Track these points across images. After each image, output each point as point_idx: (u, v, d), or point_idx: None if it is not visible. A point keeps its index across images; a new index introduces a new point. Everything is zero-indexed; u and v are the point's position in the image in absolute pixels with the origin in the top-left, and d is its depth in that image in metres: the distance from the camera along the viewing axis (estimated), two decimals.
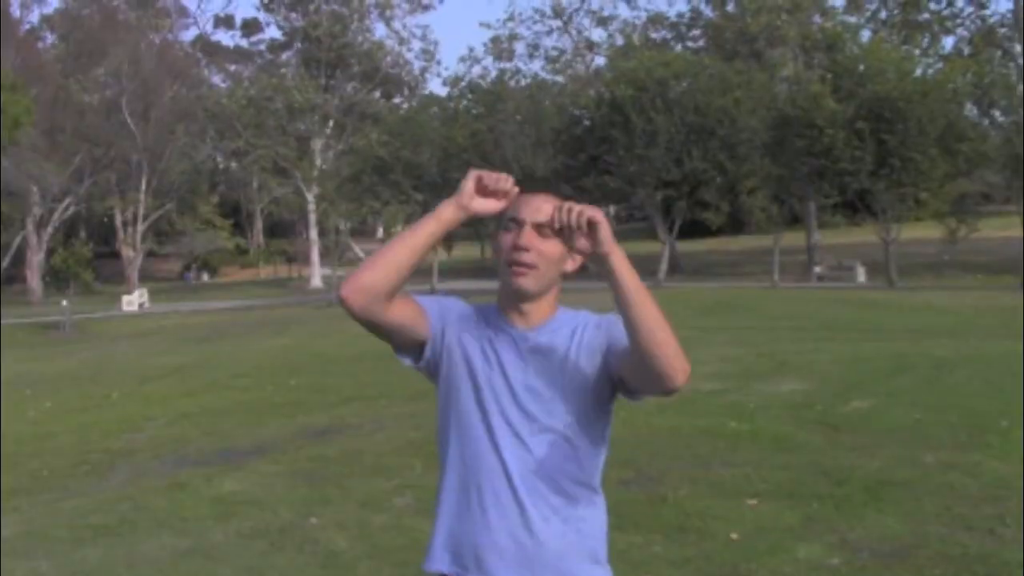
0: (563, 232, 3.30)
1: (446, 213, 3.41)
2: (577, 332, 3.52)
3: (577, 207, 3.22)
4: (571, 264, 3.52)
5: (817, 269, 63.86)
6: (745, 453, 11.60)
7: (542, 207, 3.42)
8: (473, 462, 3.48)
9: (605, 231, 3.17)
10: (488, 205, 3.39)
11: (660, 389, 3.25)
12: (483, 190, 3.41)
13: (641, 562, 7.85)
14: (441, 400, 3.61)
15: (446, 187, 68.51)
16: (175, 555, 8.85)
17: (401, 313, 3.46)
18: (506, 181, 3.37)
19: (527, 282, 3.44)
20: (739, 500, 9.49)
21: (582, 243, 3.24)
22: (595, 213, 3.18)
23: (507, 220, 3.46)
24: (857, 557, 7.78)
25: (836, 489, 9.72)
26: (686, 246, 79.76)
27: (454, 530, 3.52)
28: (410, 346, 3.57)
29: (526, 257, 3.41)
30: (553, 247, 3.43)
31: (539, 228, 3.41)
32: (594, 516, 3.54)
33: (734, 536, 8.42)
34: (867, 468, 10.58)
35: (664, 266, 63.68)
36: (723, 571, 7.63)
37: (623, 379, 3.42)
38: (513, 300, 3.52)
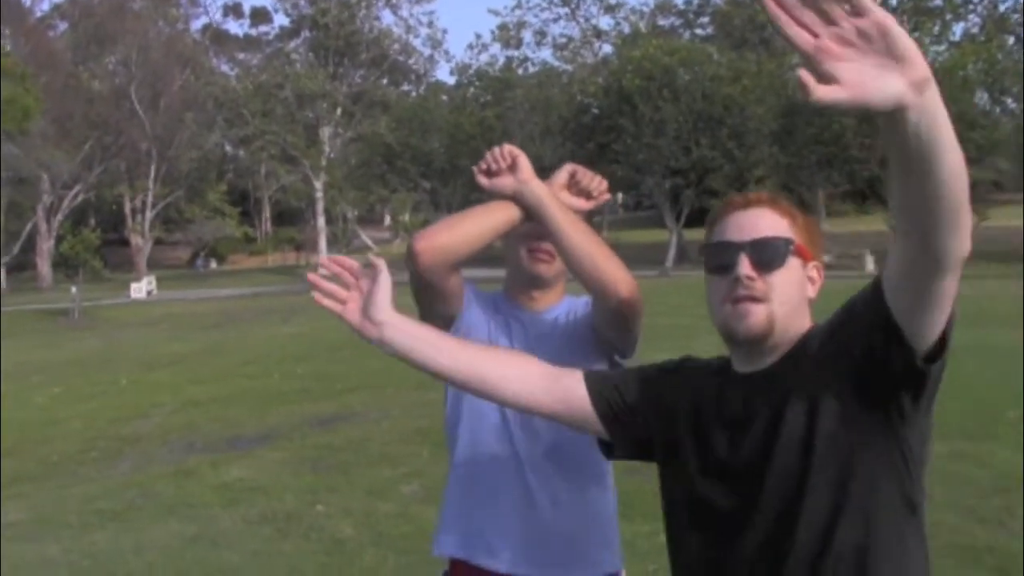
0: (486, 173, 3.32)
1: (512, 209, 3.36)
2: (572, 311, 3.55)
3: (495, 148, 3.28)
4: None
5: (826, 257, 63.72)
6: None
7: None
8: (483, 447, 3.47)
9: (524, 161, 3.24)
10: (575, 203, 3.37)
11: (609, 302, 3.24)
12: (575, 186, 3.40)
13: (648, 552, 7.83)
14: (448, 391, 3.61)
15: (454, 174, 68.64)
16: (182, 541, 8.85)
17: (454, 285, 3.46)
18: (600, 183, 3.37)
19: (549, 268, 3.48)
20: None
21: (506, 181, 3.25)
22: (511, 147, 3.26)
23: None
24: None
25: None
26: (694, 234, 79.52)
27: (463, 515, 3.51)
28: (438, 322, 3.56)
29: (546, 246, 3.43)
30: None
31: None
32: (604, 500, 3.53)
33: None
34: None
35: (672, 254, 63.73)
36: None
37: (599, 331, 3.43)
38: (527, 286, 3.55)
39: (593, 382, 2.87)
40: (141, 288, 69.60)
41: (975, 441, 11.08)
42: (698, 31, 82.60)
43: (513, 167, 3.23)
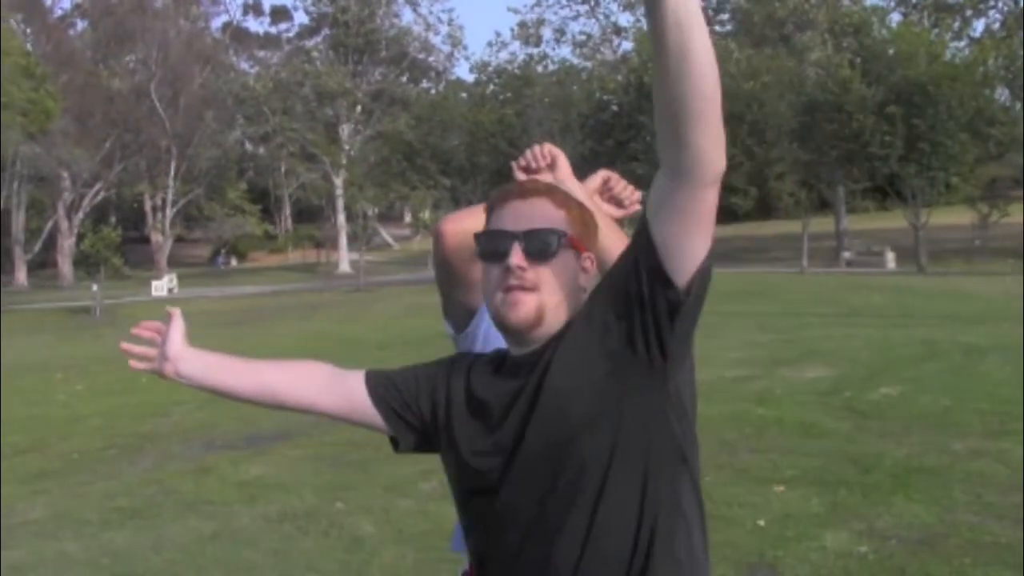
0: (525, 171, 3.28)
1: None
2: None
3: (535, 146, 3.29)
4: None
5: (846, 254, 63.62)
6: (772, 440, 11.56)
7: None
8: None
9: (563, 161, 3.30)
10: (607, 209, 3.36)
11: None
12: (607, 192, 3.40)
13: None
14: None
15: (473, 172, 68.65)
16: (201, 538, 8.88)
17: (477, 274, 3.46)
18: (633, 193, 3.35)
19: None
20: (766, 487, 9.46)
21: (545, 178, 3.20)
22: (551, 147, 3.30)
23: None
24: (884, 545, 7.74)
25: (863, 476, 9.67)
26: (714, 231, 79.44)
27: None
28: (460, 313, 3.56)
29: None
30: None
31: None
32: None
33: (761, 523, 8.40)
34: (895, 455, 10.53)
35: None
36: (749, 558, 7.60)
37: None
38: None
39: (372, 380, 2.95)
40: (162, 286, 69.81)
41: (994, 439, 11.05)
42: (717, 28, 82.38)
43: (552, 166, 3.23)
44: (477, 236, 2.78)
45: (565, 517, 2.57)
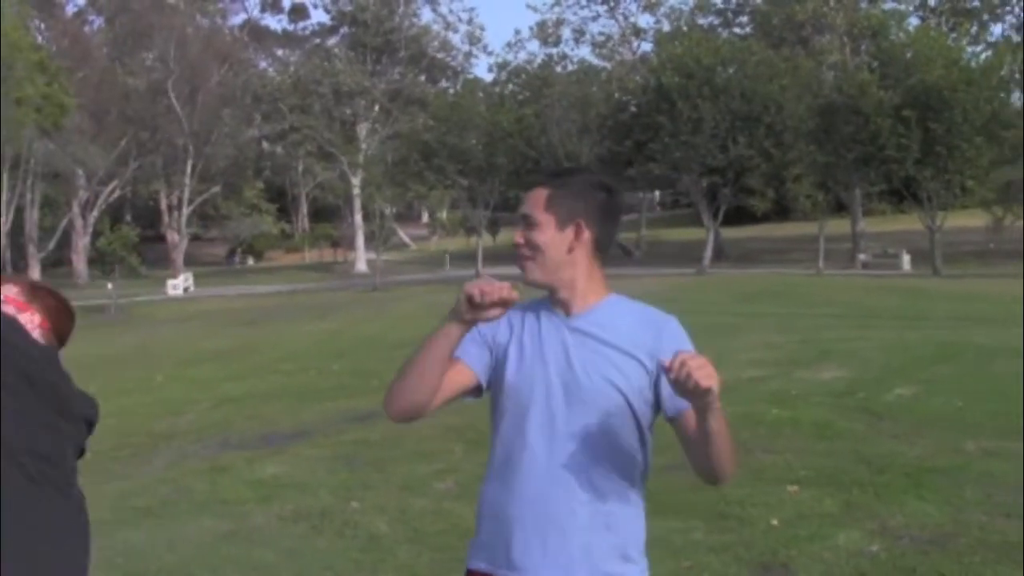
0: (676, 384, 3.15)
1: (452, 331, 3.32)
2: (630, 324, 3.47)
3: (695, 365, 2.99)
4: (574, 240, 3.44)
5: (862, 256, 63.68)
6: (786, 440, 11.59)
7: (526, 199, 3.48)
8: (509, 456, 3.45)
9: (716, 391, 3.03)
10: (490, 314, 3.29)
11: (707, 483, 3.41)
12: (480, 305, 3.37)
13: (681, 548, 7.86)
14: (492, 404, 3.62)
15: (491, 172, 68.71)
16: (216, 538, 8.91)
17: (448, 394, 3.50)
18: (500, 291, 3.29)
19: (529, 275, 3.46)
20: (780, 487, 9.49)
21: (690, 392, 3.04)
22: (712, 378, 3.00)
23: (519, 217, 3.51)
24: (897, 544, 7.77)
25: (877, 476, 9.70)
26: (731, 232, 79.54)
27: (491, 527, 3.51)
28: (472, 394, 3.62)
29: (521, 251, 3.46)
30: (540, 234, 3.42)
31: (524, 220, 3.44)
32: (624, 512, 3.46)
33: (774, 522, 8.42)
34: (908, 455, 10.57)
35: (708, 252, 63.64)
36: (763, 557, 7.63)
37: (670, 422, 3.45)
38: (549, 293, 3.53)
39: None
40: (178, 285, 70.02)
41: (1006, 439, 11.07)
42: (736, 30, 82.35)
43: (706, 393, 3.05)
44: None
45: None
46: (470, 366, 3.54)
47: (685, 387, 3.01)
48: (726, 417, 3.15)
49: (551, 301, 3.54)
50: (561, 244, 3.45)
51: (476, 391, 3.58)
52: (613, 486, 3.43)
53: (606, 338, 3.44)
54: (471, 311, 3.25)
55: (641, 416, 3.45)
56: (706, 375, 2.97)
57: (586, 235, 3.46)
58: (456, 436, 12.20)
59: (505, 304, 3.23)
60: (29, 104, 63.68)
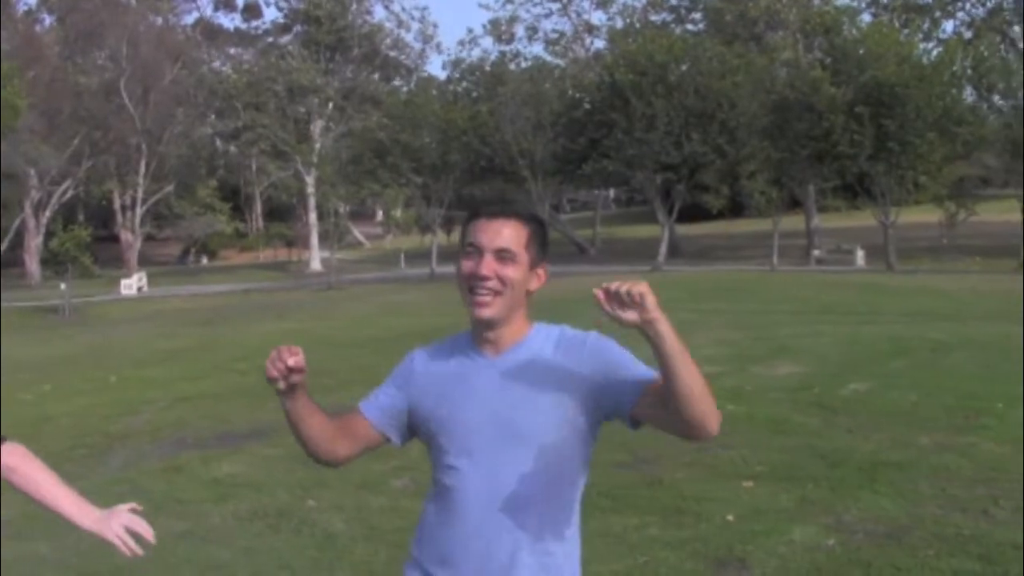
0: (610, 303, 3.14)
1: (286, 406, 3.57)
2: (556, 352, 3.45)
3: (623, 285, 3.08)
4: (536, 282, 3.46)
5: (816, 252, 63.90)
6: (742, 436, 11.63)
7: (501, 231, 3.38)
8: (446, 493, 3.45)
9: (652, 300, 3.07)
10: (294, 379, 3.42)
11: (694, 437, 3.25)
12: (275, 379, 3.40)
13: (637, 544, 7.89)
14: (427, 447, 3.62)
15: (445, 170, 68.65)
16: (173, 537, 8.86)
17: (357, 447, 3.74)
18: (284, 359, 3.35)
19: (490, 311, 3.37)
20: (735, 482, 9.54)
21: (630, 315, 3.08)
22: (642, 287, 3.08)
23: (466, 244, 3.42)
24: (852, 538, 7.82)
25: (832, 471, 9.77)
26: (686, 229, 79.74)
27: (430, 559, 3.51)
28: (386, 442, 3.72)
29: (489, 284, 3.36)
30: (515, 271, 3.38)
31: (499, 253, 3.36)
32: (562, 550, 3.43)
33: (730, 518, 8.46)
34: (863, 450, 10.64)
35: (663, 249, 63.76)
36: (719, 553, 7.66)
37: (636, 418, 3.36)
38: (481, 329, 3.45)
39: None
40: (131, 285, 69.62)
41: (960, 434, 11.18)
42: (689, 27, 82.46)
43: (641, 307, 3.10)
44: None
45: None
46: (371, 421, 3.68)
47: (622, 304, 3.07)
48: (683, 344, 3.13)
49: (475, 339, 3.51)
50: (526, 284, 3.44)
51: (387, 441, 3.69)
52: (551, 525, 3.41)
53: (536, 374, 3.41)
54: (280, 382, 3.41)
55: (581, 443, 3.44)
56: (632, 284, 3.05)
57: (544, 279, 3.49)
58: None
59: (292, 370, 3.38)
60: None
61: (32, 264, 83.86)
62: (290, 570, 7.95)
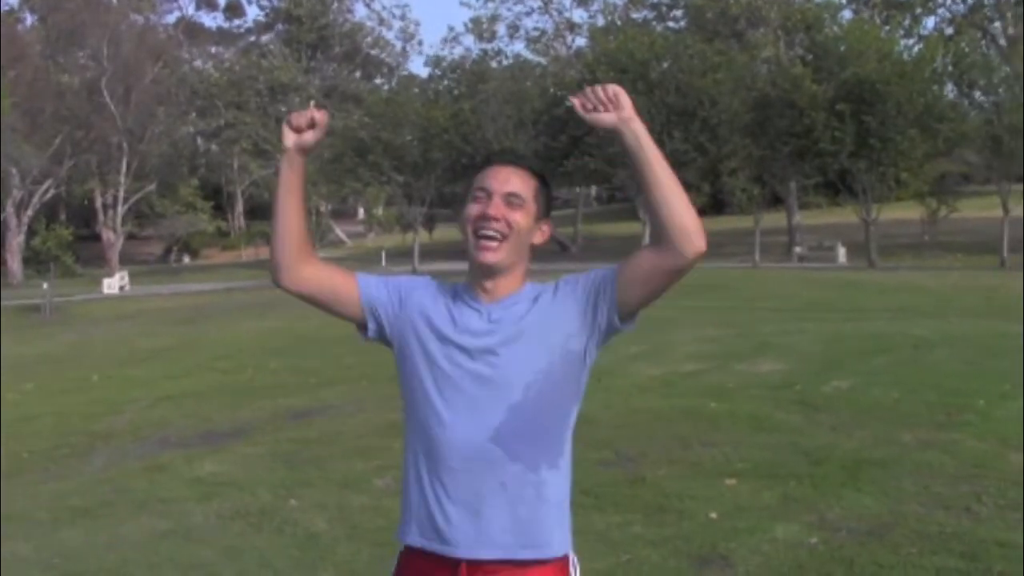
0: (586, 109, 3.34)
1: (288, 156, 3.57)
2: (541, 296, 3.48)
3: (598, 87, 3.31)
4: (539, 236, 3.53)
5: (798, 249, 64.00)
6: (724, 433, 11.64)
7: (510, 178, 3.45)
8: (428, 432, 3.43)
9: (627, 99, 3.27)
10: (307, 136, 3.50)
11: (682, 255, 3.27)
12: (297, 129, 3.50)
13: (620, 542, 7.88)
14: (400, 375, 3.59)
15: (427, 168, 68.62)
16: (155, 536, 8.86)
17: (323, 282, 3.64)
18: (309, 113, 3.49)
19: (495, 256, 3.41)
20: (718, 480, 9.54)
21: (608, 117, 3.28)
22: (615, 87, 3.30)
23: (475, 190, 3.47)
24: (835, 536, 7.82)
25: (814, 468, 9.77)
26: None
27: (418, 502, 3.49)
28: (357, 319, 3.61)
29: (496, 225, 3.40)
30: (522, 217, 3.43)
31: (508, 197, 3.42)
32: (555, 483, 3.48)
33: (713, 516, 8.46)
34: (845, 447, 10.65)
35: None
36: (702, 551, 7.66)
37: (626, 299, 3.39)
38: (479, 276, 3.49)
39: None
40: (113, 284, 69.41)
41: (942, 430, 11.19)
42: (670, 24, 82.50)
43: (616, 105, 3.27)
44: None
45: None
46: (358, 283, 3.61)
47: (598, 102, 3.29)
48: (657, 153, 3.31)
49: (472, 286, 3.54)
50: (532, 234, 3.51)
51: (354, 310, 3.61)
52: (544, 456, 3.44)
53: (527, 319, 3.44)
54: (288, 136, 3.53)
55: (573, 378, 3.48)
56: (605, 85, 3.31)
57: (548, 235, 3.55)
58: (395, 432, 12.15)
59: (315, 123, 3.50)
60: None
61: (14, 263, 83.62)
62: (272, 569, 7.93)
